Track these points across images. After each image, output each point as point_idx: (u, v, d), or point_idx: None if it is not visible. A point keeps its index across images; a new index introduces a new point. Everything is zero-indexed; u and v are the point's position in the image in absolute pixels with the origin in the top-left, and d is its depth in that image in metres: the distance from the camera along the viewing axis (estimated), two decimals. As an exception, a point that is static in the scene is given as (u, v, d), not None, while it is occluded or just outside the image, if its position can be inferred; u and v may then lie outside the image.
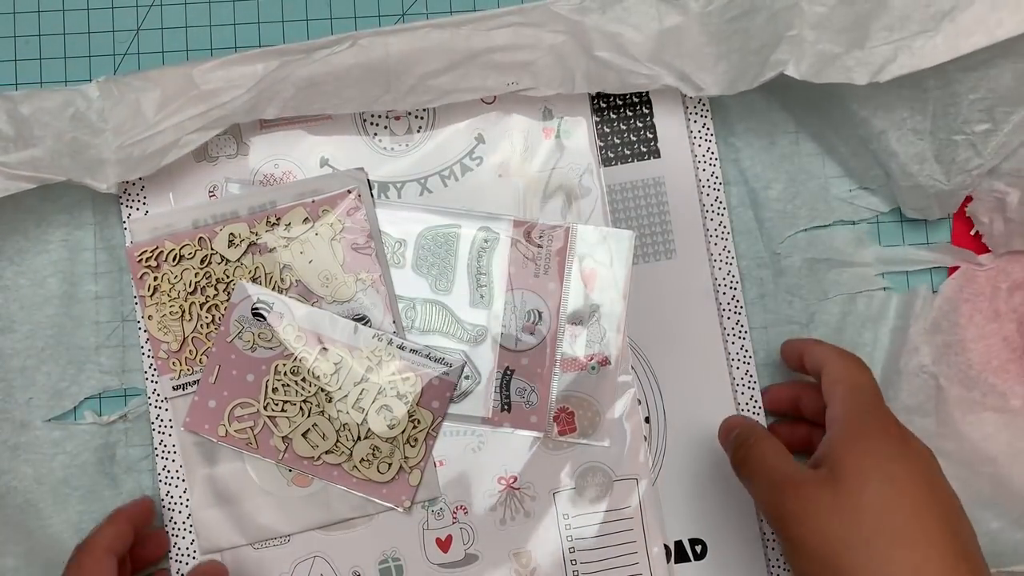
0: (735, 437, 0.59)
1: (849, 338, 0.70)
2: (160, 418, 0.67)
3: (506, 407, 0.67)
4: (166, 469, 0.66)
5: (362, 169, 0.69)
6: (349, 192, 0.68)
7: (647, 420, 0.68)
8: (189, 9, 0.72)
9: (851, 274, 0.70)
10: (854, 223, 0.71)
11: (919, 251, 0.71)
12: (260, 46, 0.71)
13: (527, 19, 0.66)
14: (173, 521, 0.66)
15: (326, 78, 0.65)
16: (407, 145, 0.70)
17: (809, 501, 0.51)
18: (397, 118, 0.69)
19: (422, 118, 0.70)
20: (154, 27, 0.72)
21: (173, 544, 0.66)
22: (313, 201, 0.68)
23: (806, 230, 0.71)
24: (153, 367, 0.67)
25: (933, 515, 0.50)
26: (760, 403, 0.68)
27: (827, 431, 0.55)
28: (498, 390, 0.68)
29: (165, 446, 0.67)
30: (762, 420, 0.67)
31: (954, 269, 0.70)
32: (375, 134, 0.69)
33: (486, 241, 0.69)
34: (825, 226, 0.71)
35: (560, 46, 0.65)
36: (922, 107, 0.64)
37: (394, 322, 0.67)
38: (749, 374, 0.68)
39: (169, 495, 0.66)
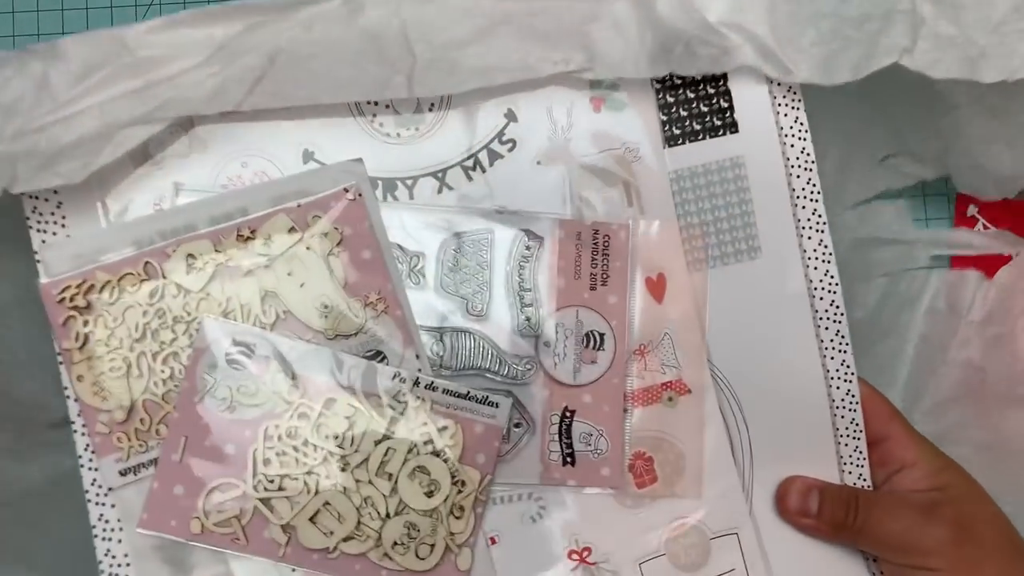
0: (830, 498, 0.57)
1: (886, 319, 0.68)
2: (104, 518, 0.52)
3: (569, 459, 0.55)
4: None
5: (360, 160, 0.54)
6: (346, 191, 0.54)
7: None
8: (189, 9, 0.68)
9: (895, 252, 0.69)
10: (899, 194, 0.69)
11: (972, 236, 0.68)
12: None
13: None
14: None
15: (313, 50, 0.51)
16: (417, 129, 0.55)
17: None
18: None
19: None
20: None
21: None
22: (299, 205, 0.53)
23: (854, 207, 0.68)
24: (89, 447, 0.51)
25: None
26: (862, 427, 0.58)
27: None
28: (557, 438, 0.55)
29: (113, 556, 0.52)
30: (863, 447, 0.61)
31: (958, 260, 0.70)
32: (374, 115, 0.55)
33: (528, 248, 0.56)
34: (869, 200, 0.69)
35: (620, 12, 0.54)
36: (1005, 87, 0.57)
37: (417, 356, 0.54)
38: (851, 393, 0.58)
39: None
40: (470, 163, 0.56)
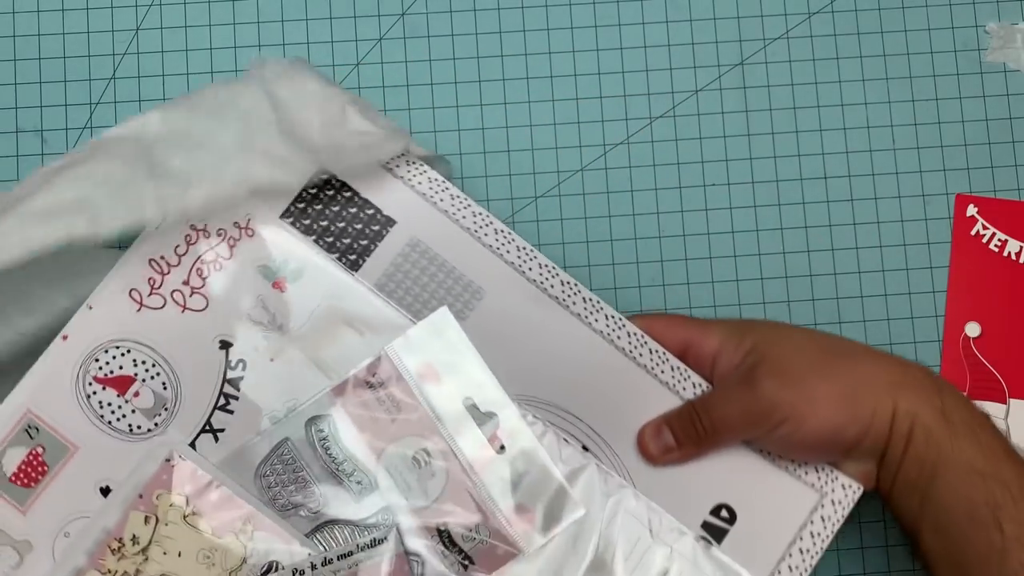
0: (678, 423, 0.58)
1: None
2: None
3: (466, 562, 0.56)
4: None
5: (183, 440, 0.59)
6: (168, 460, 0.57)
7: (584, 448, 0.59)
8: (189, 9, 0.72)
9: None
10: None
11: None
12: (259, 45, 0.72)
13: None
14: None
15: None
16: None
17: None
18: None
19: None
20: (154, 27, 0.72)
21: None
22: (140, 496, 0.56)
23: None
24: None
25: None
26: (663, 349, 0.60)
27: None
28: (447, 553, 0.56)
29: None
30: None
31: (958, 261, 0.72)
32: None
33: (321, 429, 0.57)
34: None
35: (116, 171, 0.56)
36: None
37: (300, 544, 0.56)
38: (631, 334, 0.60)
39: None
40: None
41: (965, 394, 0.58)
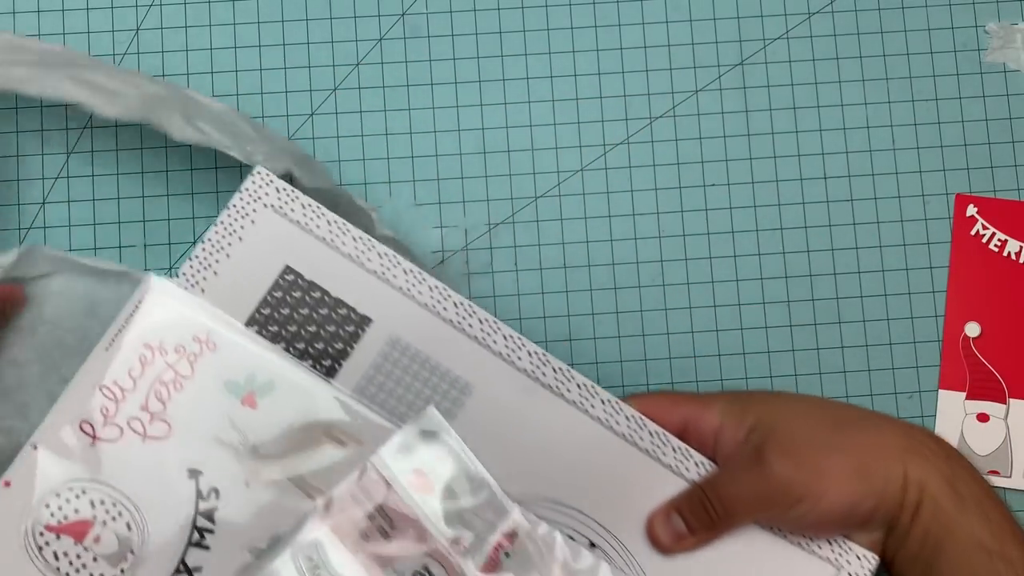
0: (687, 508, 0.56)
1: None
2: None
3: None
4: None
5: None
6: None
7: (592, 545, 0.57)
8: (189, 9, 0.72)
9: None
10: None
11: None
12: (259, 46, 0.72)
13: None
14: None
15: None
16: None
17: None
18: None
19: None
20: (154, 27, 0.72)
21: None
22: None
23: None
24: None
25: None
26: (662, 431, 0.58)
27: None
28: None
29: None
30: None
31: (957, 264, 0.72)
32: None
33: (310, 557, 0.52)
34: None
35: None
36: None
37: None
38: (628, 417, 0.57)
39: None
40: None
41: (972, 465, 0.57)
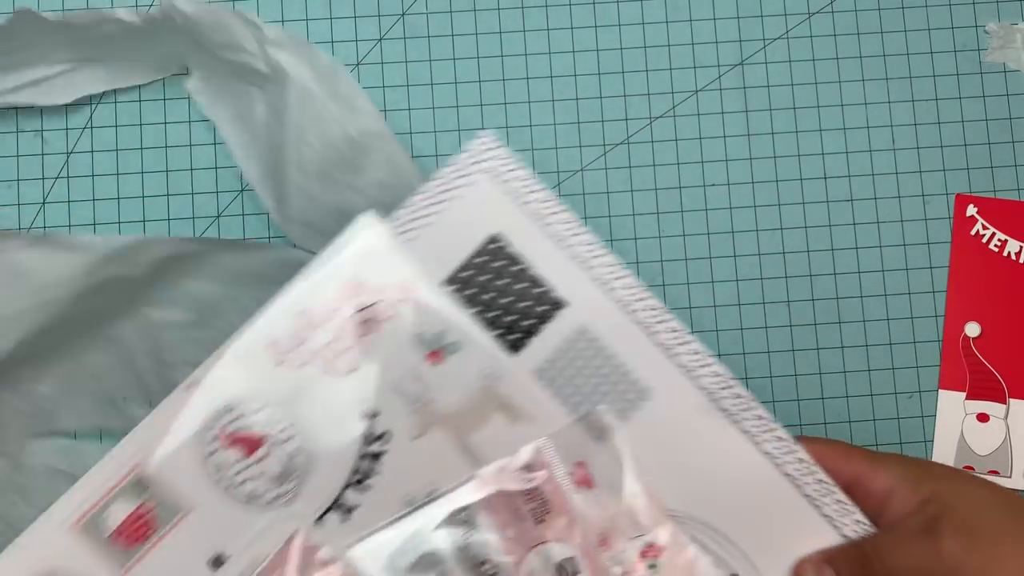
0: (842, 562, 0.54)
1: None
2: None
3: None
4: None
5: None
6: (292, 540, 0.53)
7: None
8: None
9: None
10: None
11: None
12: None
13: None
14: None
15: None
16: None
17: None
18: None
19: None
20: None
21: None
22: None
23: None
24: None
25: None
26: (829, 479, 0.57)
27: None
28: None
29: None
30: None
31: (957, 263, 0.72)
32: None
33: (465, 528, 0.53)
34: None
35: None
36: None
37: None
38: (800, 460, 0.56)
39: None
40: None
41: None
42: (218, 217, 0.72)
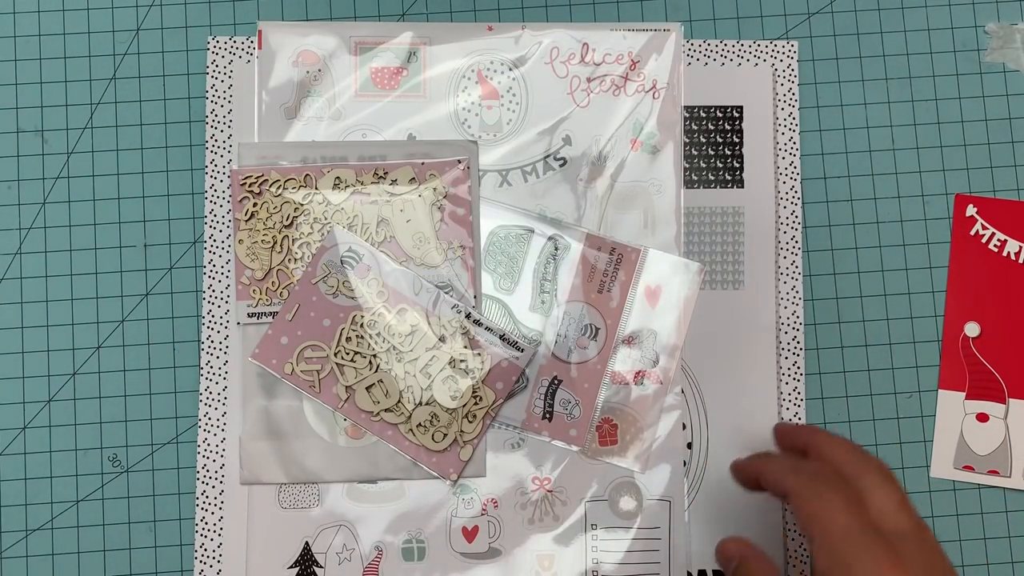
0: (734, 570, 0.58)
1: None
2: (211, 339, 0.69)
3: (548, 415, 0.68)
4: (208, 391, 0.68)
5: (475, 142, 0.69)
6: (459, 162, 0.69)
7: (689, 446, 0.68)
8: (189, 9, 0.72)
9: None
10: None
11: None
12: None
13: None
14: (207, 442, 0.68)
15: None
16: (495, 136, 0.70)
17: None
18: (489, 107, 0.69)
19: (513, 111, 0.70)
20: (154, 27, 0.72)
21: (202, 466, 0.68)
22: (423, 163, 0.69)
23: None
24: (228, 289, 0.69)
25: None
26: None
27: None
28: (542, 397, 0.68)
29: (212, 368, 0.68)
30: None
31: (956, 263, 0.72)
32: (464, 120, 0.70)
33: (556, 249, 0.69)
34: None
35: None
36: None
37: (475, 296, 0.68)
38: (798, 416, 0.69)
39: (208, 416, 0.68)
40: (529, 169, 0.70)
41: None
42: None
